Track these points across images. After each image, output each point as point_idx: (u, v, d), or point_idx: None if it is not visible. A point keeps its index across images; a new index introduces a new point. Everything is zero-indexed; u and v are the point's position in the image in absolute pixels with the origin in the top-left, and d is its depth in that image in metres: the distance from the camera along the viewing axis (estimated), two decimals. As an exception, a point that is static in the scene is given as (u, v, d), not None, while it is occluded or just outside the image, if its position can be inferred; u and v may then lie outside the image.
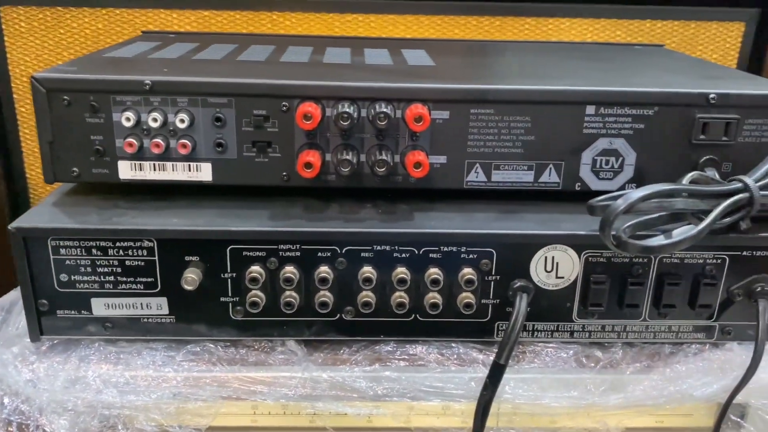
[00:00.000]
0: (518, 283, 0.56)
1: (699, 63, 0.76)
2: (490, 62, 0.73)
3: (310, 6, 0.89)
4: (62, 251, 0.54)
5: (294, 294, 0.56)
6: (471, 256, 0.55)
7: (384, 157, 0.55)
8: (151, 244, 0.54)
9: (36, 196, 0.98)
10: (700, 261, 0.57)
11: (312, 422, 0.59)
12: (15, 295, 0.65)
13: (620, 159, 0.58)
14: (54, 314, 0.56)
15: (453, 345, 0.58)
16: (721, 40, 0.91)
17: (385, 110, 0.54)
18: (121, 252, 0.54)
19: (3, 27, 0.89)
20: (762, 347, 0.55)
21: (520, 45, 0.86)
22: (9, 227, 0.52)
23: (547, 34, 0.91)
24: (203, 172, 0.57)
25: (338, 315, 0.57)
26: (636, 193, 0.50)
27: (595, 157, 0.58)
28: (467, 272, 0.55)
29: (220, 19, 0.89)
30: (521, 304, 0.55)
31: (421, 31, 0.91)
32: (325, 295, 0.56)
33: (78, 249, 0.54)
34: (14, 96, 0.92)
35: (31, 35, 0.89)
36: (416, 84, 0.56)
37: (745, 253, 0.56)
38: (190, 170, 0.57)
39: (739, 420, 0.60)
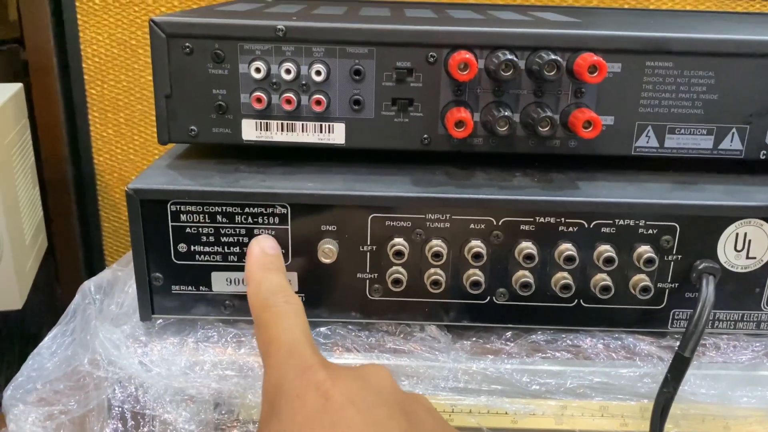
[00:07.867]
0: (703, 264, 0.48)
1: None
2: (640, 21, 0.65)
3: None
4: (182, 217, 0.47)
5: (441, 272, 0.48)
6: (650, 231, 0.47)
7: (549, 114, 0.48)
8: (284, 210, 0.47)
9: (103, 182, 0.92)
10: None
11: (450, 420, 0.52)
12: (109, 274, 0.59)
13: (814, 123, 0.50)
14: (168, 290, 0.49)
15: (622, 336, 0.50)
16: None
17: (555, 57, 0.46)
18: (249, 219, 0.47)
19: (77, 4, 0.84)
20: None
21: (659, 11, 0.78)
22: (126, 189, 0.46)
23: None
24: (336, 134, 0.50)
25: (489, 298, 0.50)
26: None
27: (787, 120, 0.50)
28: (645, 250, 0.47)
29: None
30: (708, 288, 0.47)
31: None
32: (476, 274, 0.48)
33: (201, 215, 0.47)
34: (85, 77, 0.87)
35: (105, 13, 0.84)
36: (586, 30, 0.48)
37: None
38: (321, 131, 0.50)
39: None
